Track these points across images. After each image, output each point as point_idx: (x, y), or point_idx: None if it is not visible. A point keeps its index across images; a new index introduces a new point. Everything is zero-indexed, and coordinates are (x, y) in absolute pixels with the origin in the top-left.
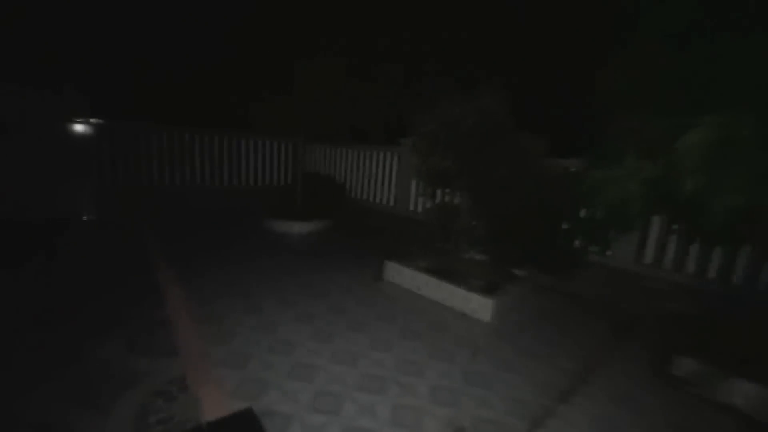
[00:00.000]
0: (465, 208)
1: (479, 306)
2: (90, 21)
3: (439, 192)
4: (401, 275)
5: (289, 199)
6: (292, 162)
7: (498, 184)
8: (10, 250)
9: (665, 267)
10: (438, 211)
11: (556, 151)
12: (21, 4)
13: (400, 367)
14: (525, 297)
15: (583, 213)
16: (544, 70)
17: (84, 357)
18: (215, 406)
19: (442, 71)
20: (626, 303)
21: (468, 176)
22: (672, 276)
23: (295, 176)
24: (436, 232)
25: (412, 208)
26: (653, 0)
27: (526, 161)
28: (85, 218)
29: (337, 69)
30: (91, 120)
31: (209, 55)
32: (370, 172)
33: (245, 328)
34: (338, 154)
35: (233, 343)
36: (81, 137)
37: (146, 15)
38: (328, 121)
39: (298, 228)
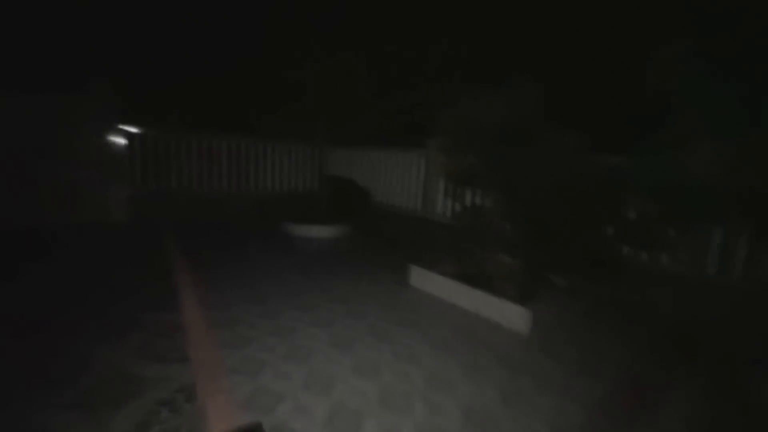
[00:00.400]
0: (496, 210)
1: (516, 316)
2: (115, 26)
3: (469, 194)
4: (429, 281)
5: (312, 204)
6: (314, 167)
7: (533, 183)
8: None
9: (733, 273)
10: (467, 213)
11: (599, 148)
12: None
13: (429, 382)
14: (566, 306)
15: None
16: (583, 59)
17: (92, 362)
18: (223, 419)
19: (467, 64)
20: (678, 310)
21: (499, 175)
22: (741, 284)
23: (318, 181)
24: (466, 235)
25: (439, 211)
26: None
27: (564, 158)
28: (114, 223)
29: (355, 67)
30: (124, 127)
31: (226, 59)
32: (394, 175)
33: (261, 333)
34: (361, 156)
35: (247, 349)
36: (115, 144)
37: (169, 22)
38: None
39: (320, 232)
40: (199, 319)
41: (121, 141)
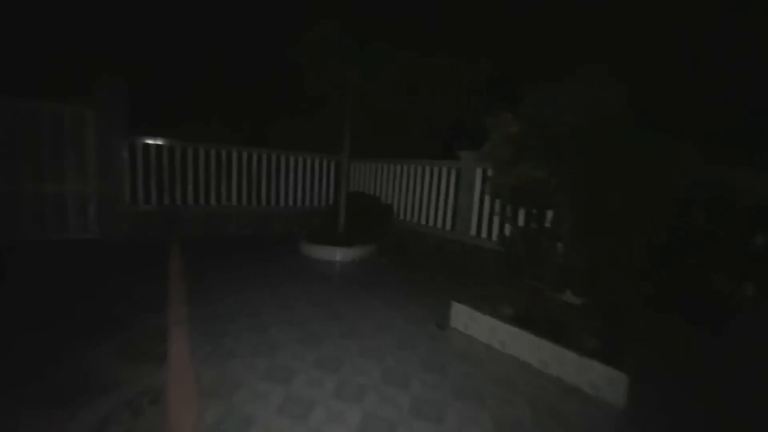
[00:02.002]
0: (565, 234)
1: (603, 380)
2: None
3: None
4: (476, 324)
5: (330, 223)
6: (334, 181)
7: (617, 201)
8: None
9: None
10: (522, 238)
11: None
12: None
13: None
14: (671, 365)
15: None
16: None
17: (70, 361)
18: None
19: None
20: None
21: (571, 191)
22: None
23: (337, 197)
24: (518, 265)
25: (474, 233)
26: None
27: (659, 171)
28: (109, 241)
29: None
30: (129, 138)
31: (247, 66)
32: (422, 191)
33: (255, 377)
34: (384, 170)
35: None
36: (117, 156)
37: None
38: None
39: (339, 254)
40: (186, 359)
41: (123, 152)
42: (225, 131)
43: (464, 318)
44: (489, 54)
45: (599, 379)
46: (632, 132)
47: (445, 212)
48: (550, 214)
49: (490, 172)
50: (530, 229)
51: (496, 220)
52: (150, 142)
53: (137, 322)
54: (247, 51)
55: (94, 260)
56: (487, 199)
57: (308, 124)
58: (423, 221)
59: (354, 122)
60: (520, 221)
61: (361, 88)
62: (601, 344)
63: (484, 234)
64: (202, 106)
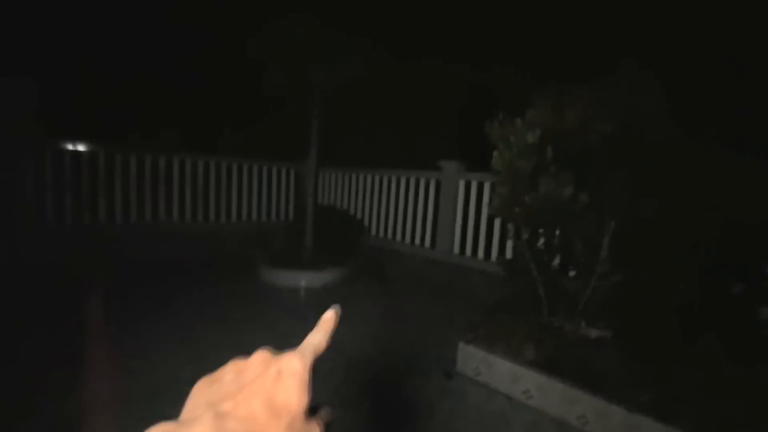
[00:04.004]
0: (597, 259)
1: None
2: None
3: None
4: (492, 370)
5: (294, 242)
6: (295, 192)
7: (658, 222)
8: None
9: None
10: (537, 263)
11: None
12: None
13: None
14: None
15: None
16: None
17: None
18: None
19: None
20: None
21: (611, 210)
22: None
23: (301, 211)
24: (530, 294)
25: (457, 251)
26: None
27: (711, 187)
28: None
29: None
30: (37, 142)
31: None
32: (399, 204)
33: None
34: (355, 181)
35: None
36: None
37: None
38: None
39: (308, 280)
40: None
41: (30, 160)
42: (175, 142)
43: (475, 362)
44: (482, 56)
45: None
46: (694, 145)
47: (424, 228)
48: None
49: (499, 189)
50: (543, 253)
51: (482, 237)
52: (67, 148)
53: (38, 410)
54: (189, 47)
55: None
56: (471, 213)
57: (265, 130)
58: (400, 238)
59: (321, 127)
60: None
61: (329, 87)
62: (651, 394)
63: (468, 252)
64: (145, 114)
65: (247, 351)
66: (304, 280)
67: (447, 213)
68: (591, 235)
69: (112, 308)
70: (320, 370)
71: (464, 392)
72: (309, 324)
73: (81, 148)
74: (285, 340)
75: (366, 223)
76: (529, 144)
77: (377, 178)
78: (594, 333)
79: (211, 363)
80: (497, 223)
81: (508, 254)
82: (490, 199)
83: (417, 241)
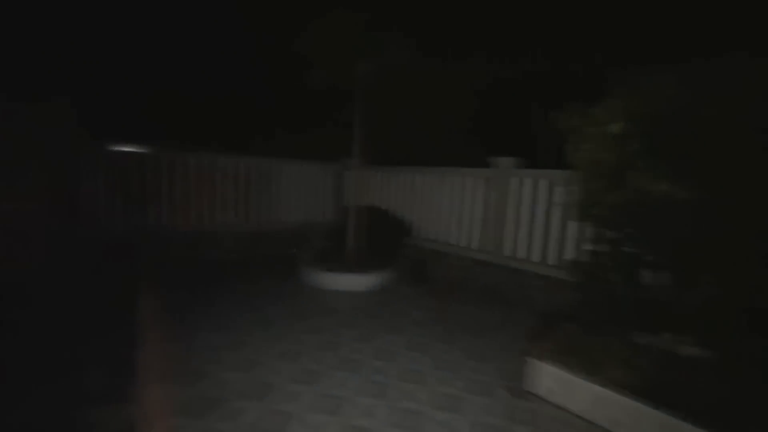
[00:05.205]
0: (702, 264)
1: None
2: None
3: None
4: (568, 391)
5: (337, 243)
6: (338, 193)
7: None
8: None
9: None
10: (619, 269)
11: None
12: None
13: None
14: None
15: None
16: None
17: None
18: None
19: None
20: None
21: (720, 210)
22: None
23: (343, 212)
24: (607, 302)
25: (509, 252)
26: None
27: None
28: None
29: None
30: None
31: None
32: (445, 203)
33: None
34: (399, 180)
35: None
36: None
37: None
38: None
39: (351, 282)
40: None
41: (86, 164)
42: (217, 143)
43: (548, 381)
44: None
45: None
46: None
47: (472, 228)
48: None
49: (576, 186)
50: (628, 257)
51: (538, 238)
52: (118, 149)
53: (92, 421)
54: (227, 46)
55: (42, 299)
56: (524, 211)
57: (307, 130)
58: (447, 239)
59: (364, 123)
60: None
61: (373, 81)
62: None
63: (522, 253)
64: (188, 116)
65: (293, 359)
66: (347, 282)
67: (499, 212)
68: (688, 238)
69: (157, 309)
70: (379, 383)
71: (536, 415)
72: (356, 329)
73: (131, 150)
74: (332, 347)
75: (410, 223)
76: (611, 134)
77: (423, 177)
78: (688, 351)
79: (260, 371)
80: (556, 222)
81: (576, 256)
82: (550, 197)
83: (465, 242)
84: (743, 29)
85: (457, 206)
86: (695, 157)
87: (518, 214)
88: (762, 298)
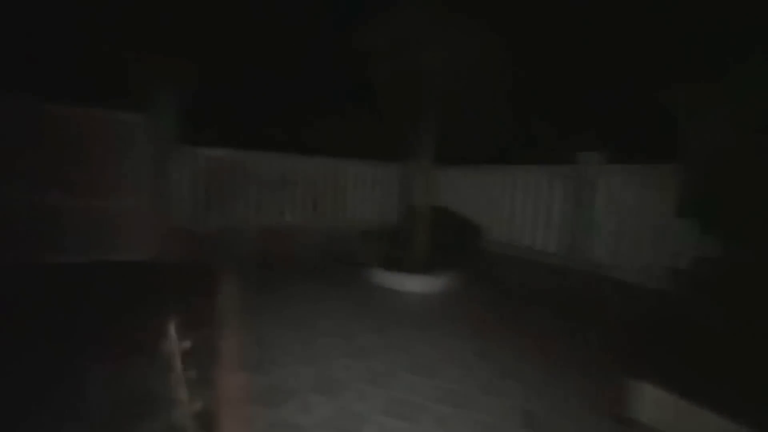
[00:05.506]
0: None
1: None
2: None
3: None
4: (691, 424)
5: (402, 242)
6: (403, 192)
7: None
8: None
9: None
10: (746, 281)
11: None
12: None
13: None
14: None
15: None
16: None
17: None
18: None
19: None
20: None
21: None
22: None
23: (411, 212)
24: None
25: (595, 257)
26: None
27: None
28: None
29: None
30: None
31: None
32: (519, 203)
33: None
34: (467, 179)
35: None
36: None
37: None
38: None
39: (416, 284)
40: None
41: (178, 164)
42: (281, 137)
43: (666, 410)
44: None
45: None
46: None
47: (551, 231)
48: None
49: (691, 181)
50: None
51: (628, 241)
52: (207, 153)
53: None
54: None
55: (137, 289)
56: (612, 211)
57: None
58: (523, 242)
59: (433, 119)
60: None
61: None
62: None
63: (609, 258)
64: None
65: (363, 358)
66: (414, 283)
67: (583, 212)
68: None
69: (235, 300)
70: (453, 391)
71: None
72: (428, 333)
73: (218, 153)
74: (402, 349)
75: (480, 225)
76: (747, 116)
77: (492, 175)
78: None
79: (330, 365)
80: (653, 222)
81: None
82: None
83: (543, 245)
84: None
85: (532, 206)
86: None
87: (605, 214)
88: None
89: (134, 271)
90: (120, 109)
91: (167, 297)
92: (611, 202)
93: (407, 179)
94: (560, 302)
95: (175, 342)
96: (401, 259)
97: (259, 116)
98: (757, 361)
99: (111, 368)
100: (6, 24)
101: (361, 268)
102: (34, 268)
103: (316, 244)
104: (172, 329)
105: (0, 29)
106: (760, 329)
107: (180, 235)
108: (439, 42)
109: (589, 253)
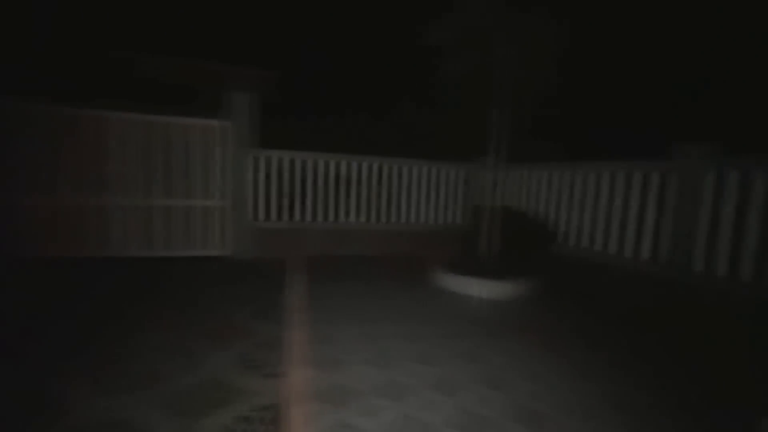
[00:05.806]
0: None
1: None
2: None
3: None
4: None
5: (468, 246)
6: (468, 192)
7: None
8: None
9: None
10: None
11: None
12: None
13: None
14: None
15: None
16: None
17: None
18: None
19: None
20: None
21: None
22: None
23: (478, 213)
24: None
25: (699, 267)
26: None
27: None
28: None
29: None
30: (256, 151)
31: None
32: (597, 205)
33: None
34: (540, 178)
35: None
36: (242, 168)
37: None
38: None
39: (486, 289)
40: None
41: (251, 165)
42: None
43: None
44: None
45: None
46: None
47: (641, 235)
48: None
49: None
50: None
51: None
52: (277, 155)
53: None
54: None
55: (220, 284)
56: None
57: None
58: (606, 248)
59: (503, 116)
60: None
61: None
62: None
63: (721, 269)
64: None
65: (429, 363)
66: (482, 288)
67: (685, 215)
68: None
69: (302, 296)
70: (529, 408)
71: None
72: (497, 341)
73: (285, 156)
74: (471, 357)
75: (556, 227)
76: None
77: (570, 174)
78: None
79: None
80: None
81: None
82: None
83: (632, 251)
84: None
85: (620, 207)
86: None
87: (715, 217)
88: None
89: (216, 266)
90: (204, 116)
91: (244, 290)
92: (718, 200)
93: (474, 179)
94: (643, 313)
95: (249, 334)
96: (468, 262)
97: (324, 117)
98: None
99: (188, 358)
100: (100, 41)
101: (425, 270)
102: (134, 261)
103: (379, 244)
104: (247, 322)
105: (96, 46)
106: None
107: (254, 232)
108: (511, 36)
109: (686, 260)
